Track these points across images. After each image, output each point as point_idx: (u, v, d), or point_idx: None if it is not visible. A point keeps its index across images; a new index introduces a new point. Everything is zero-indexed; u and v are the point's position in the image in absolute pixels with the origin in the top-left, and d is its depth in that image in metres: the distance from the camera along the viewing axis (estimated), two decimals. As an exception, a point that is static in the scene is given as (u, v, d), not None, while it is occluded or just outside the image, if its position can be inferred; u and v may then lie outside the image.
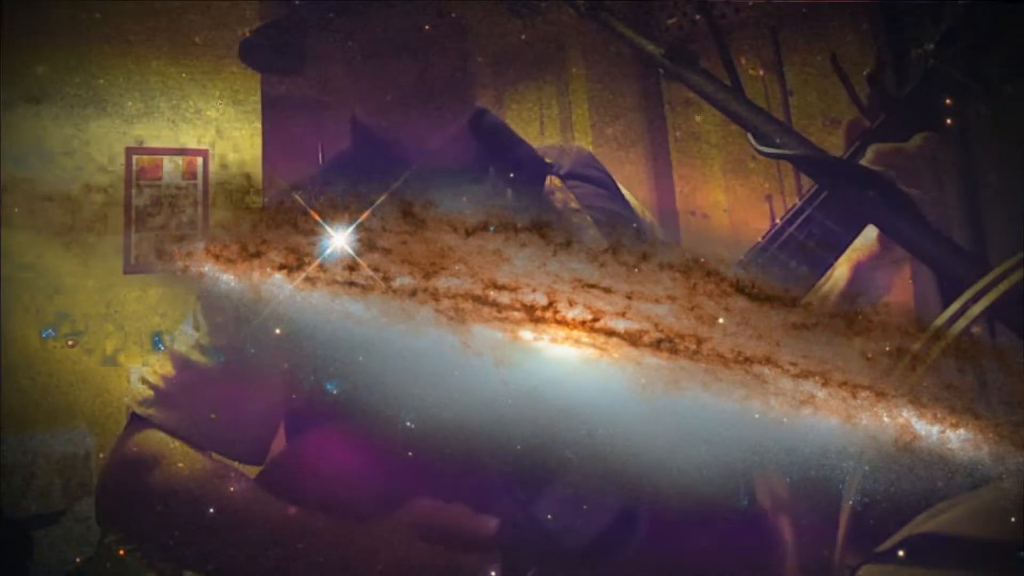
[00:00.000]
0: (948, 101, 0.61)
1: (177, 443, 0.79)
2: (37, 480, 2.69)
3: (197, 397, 0.81)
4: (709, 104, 0.70)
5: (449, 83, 0.87)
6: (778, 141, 0.65)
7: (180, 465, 0.77)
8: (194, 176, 3.27)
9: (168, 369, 0.83)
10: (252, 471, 0.80)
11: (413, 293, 0.64)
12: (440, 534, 0.69)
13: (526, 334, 0.62)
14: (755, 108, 0.67)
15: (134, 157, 3.17)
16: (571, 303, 0.62)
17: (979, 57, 0.57)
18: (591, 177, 0.98)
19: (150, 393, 0.82)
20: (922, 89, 0.59)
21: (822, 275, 0.66)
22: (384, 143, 0.92)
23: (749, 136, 0.67)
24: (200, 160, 3.29)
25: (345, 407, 0.74)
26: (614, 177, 1.03)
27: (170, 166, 3.24)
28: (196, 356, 0.81)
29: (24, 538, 2.41)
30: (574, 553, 0.68)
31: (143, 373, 0.85)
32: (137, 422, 0.82)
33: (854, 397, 0.55)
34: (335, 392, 0.74)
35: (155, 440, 0.79)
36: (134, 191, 3.16)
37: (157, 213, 3.17)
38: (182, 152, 3.27)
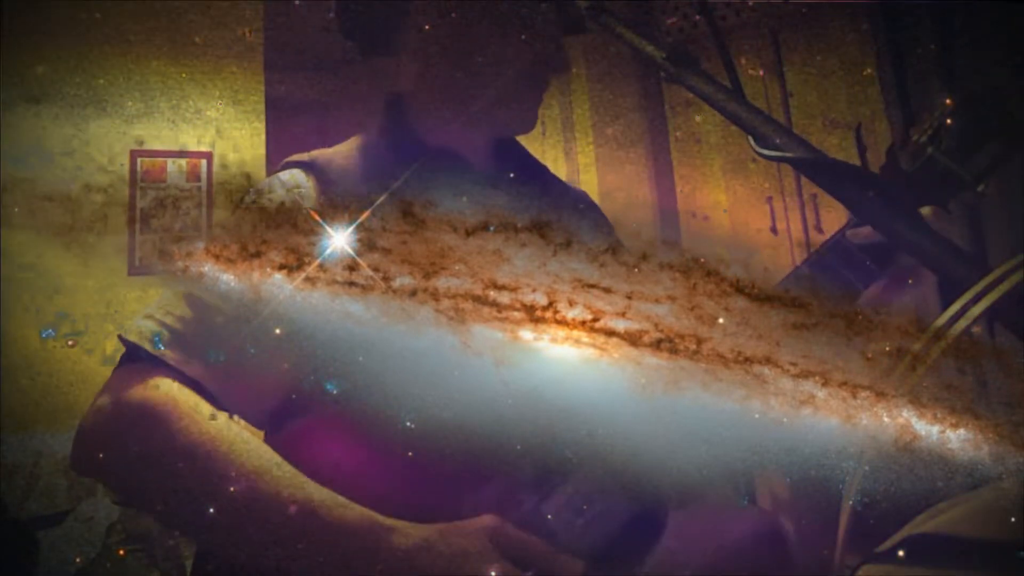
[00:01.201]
0: (948, 101, 0.62)
1: (190, 404, 0.72)
2: (42, 481, 2.69)
3: (216, 344, 0.74)
4: (710, 107, 0.70)
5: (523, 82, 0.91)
6: (778, 142, 0.65)
7: (189, 421, 0.70)
8: (198, 179, 3.28)
9: (185, 311, 0.76)
10: (253, 470, 0.77)
11: (413, 293, 0.64)
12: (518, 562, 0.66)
13: (526, 334, 0.62)
14: (755, 111, 0.68)
15: (139, 160, 3.18)
16: (571, 303, 0.62)
17: (971, 148, 0.61)
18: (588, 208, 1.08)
19: (164, 332, 0.75)
20: (923, 173, 0.62)
21: (868, 285, 0.66)
22: (415, 129, 0.93)
23: (749, 139, 0.67)
24: (204, 163, 3.30)
25: (345, 407, 0.74)
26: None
27: (174, 168, 3.25)
28: (216, 301, 0.75)
29: (29, 538, 2.41)
30: (582, 555, 0.67)
31: (151, 311, 0.77)
32: (133, 363, 0.75)
33: (854, 397, 0.55)
34: (335, 392, 0.73)
35: (165, 394, 0.72)
36: (138, 193, 3.17)
37: (161, 215, 3.18)
38: (186, 155, 3.28)
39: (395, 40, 0.94)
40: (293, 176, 0.86)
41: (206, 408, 0.72)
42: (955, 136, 0.60)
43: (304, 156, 0.89)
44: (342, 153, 0.91)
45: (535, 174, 1.03)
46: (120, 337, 0.77)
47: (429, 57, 0.91)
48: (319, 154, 0.90)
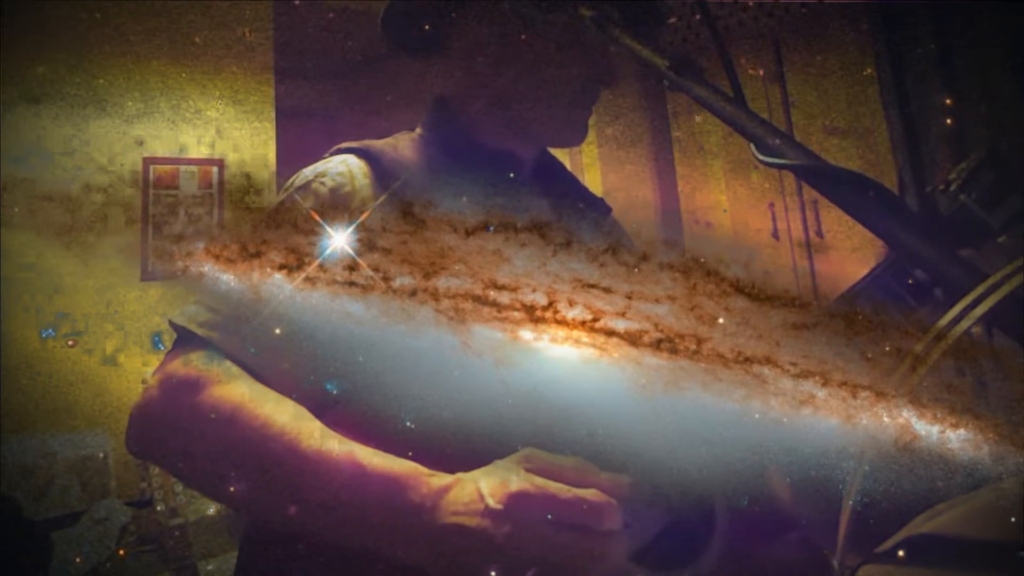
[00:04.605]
0: (948, 101, 0.62)
1: (225, 371, 0.73)
2: (57, 482, 2.70)
3: (260, 323, 0.74)
4: (712, 115, 0.70)
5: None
6: (778, 143, 0.65)
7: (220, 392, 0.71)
8: (209, 185, 3.30)
9: (228, 299, 0.75)
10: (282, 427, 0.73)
11: (413, 293, 0.64)
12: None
13: (526, 334, 0.62)
14: (757, 118, 0.68)
15: (151, 167, 3.20)
16: (571, 303, 0.62)
17: (997, 199, 0.62)
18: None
19: (209, 315, 0.76)
20: (956, 218, 0.64)
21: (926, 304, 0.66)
22: (464, 131, 0.94)
23: (751, 146, 0.67)
24: (215, 169, 3.32)
25: (345, 407, 0.74)
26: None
27: (186, 175, 3.27)
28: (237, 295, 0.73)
29: (43, 539, 2.41)
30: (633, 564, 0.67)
31: (199, 297, 0.78)
32: (187, 344, 0.76)
33: (854, 397, 0.55)
34: (335, 392, 0.73)
35: (196, 363, 0.73)
36: (151, 199, 3.20)
37: (174, 221, 3.20)
38: (198, 162, 3.29)
39: (444, 44, 0.95)
40: (346, 161, 0.86)
41: (240, 374, 0.73)
42: (984, 186, 0.61)
43: (355, 143, 0.89)
44: (392, 145, 0.92)
45: (571, 186, 1.05)
46: (171, 323, 0.78)
47: (479, 63, 0.92)
48: (371, 143, 0.90)
